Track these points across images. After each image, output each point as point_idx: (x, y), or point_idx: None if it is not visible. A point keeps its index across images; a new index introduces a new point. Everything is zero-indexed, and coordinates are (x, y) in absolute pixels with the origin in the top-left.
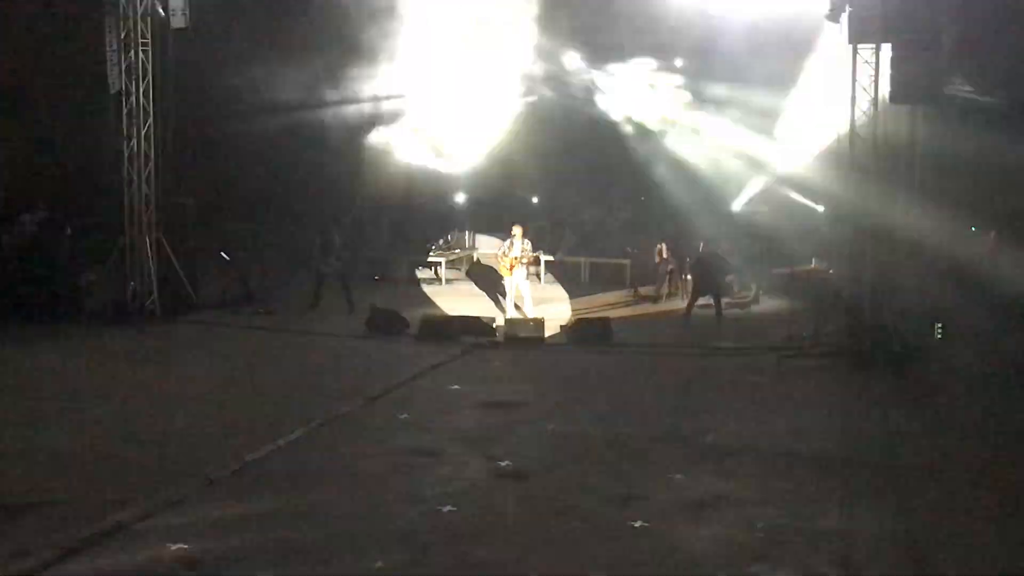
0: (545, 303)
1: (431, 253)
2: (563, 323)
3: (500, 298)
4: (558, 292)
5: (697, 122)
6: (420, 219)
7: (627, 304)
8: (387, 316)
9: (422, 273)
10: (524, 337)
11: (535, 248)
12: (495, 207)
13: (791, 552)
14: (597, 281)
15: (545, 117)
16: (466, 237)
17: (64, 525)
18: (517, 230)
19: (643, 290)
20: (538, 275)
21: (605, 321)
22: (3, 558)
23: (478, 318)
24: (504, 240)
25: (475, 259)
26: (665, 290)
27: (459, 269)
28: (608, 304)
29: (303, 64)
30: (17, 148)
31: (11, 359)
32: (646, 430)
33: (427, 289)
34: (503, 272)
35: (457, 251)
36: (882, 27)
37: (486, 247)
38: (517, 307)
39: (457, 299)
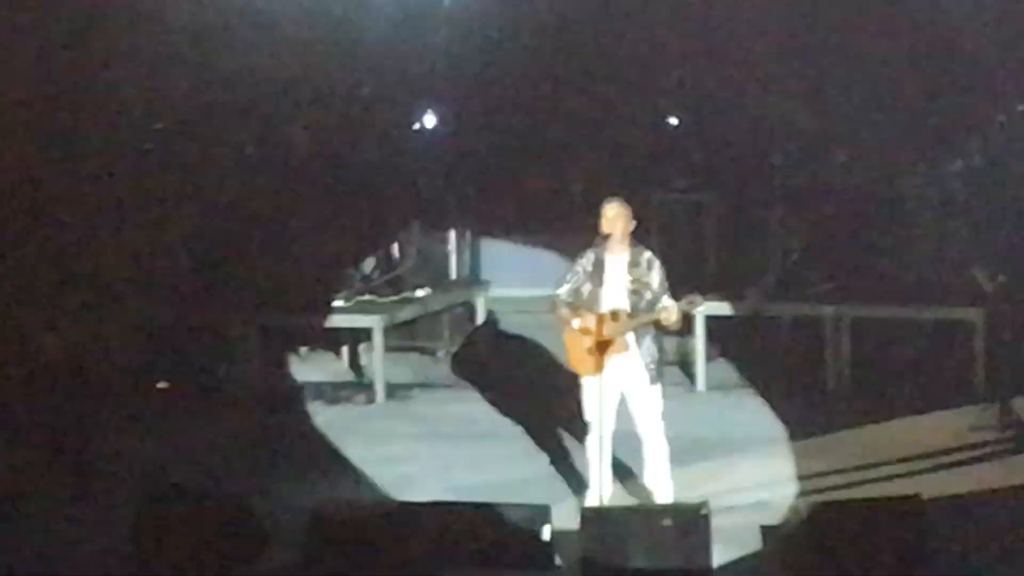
0: (710, 456)
1: (341, 303)
2: (765, 520)
3: (562, 446)
4: (748, 418)
5: None
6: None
7: (981, 448)
8: (197, 517)
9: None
10: (635, 572)
11: (677, 283)
12: (537, 146)
13: None
14: (870, 375)
15: None
16: (451, 249)
17: None
18: (616, 215)
19: None
20: (684, 364)
21: (907, 505)
22: None
23: (490, 511)
24: (578, 262)
25: (483, 321)
26: None
27: (432, 350)
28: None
29: None
30: None
31: None
32: None
33: (325, 420)
34: (575, 363)
35: (419, 292)
36: None
37: (513, 284)
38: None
39: (430, 451)
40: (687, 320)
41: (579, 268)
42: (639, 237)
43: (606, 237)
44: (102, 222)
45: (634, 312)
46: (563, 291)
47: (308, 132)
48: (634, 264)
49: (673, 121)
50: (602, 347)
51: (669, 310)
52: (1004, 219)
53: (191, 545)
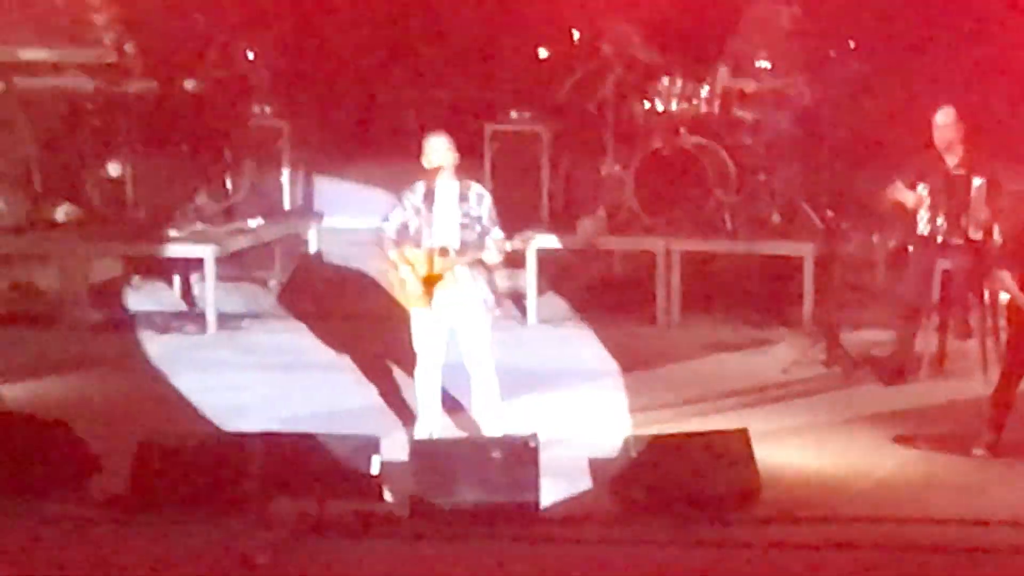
0: (540, 389)
1: (174, 233)
2: (593, 453)
3: (393, 379)
4: (578, 352)
5: None
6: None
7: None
8: (25, 440)
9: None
10: (463, 504)
11: (504, 211)
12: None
13: None
14: (700, 310)
15: None
16: (284, 180)
17: None
18: (440, 150)
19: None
20: (515, 297)
21: (733, 439)
22: None
23: (319, 442)
24: (404, 196)
25: (314, 252)
26: (930, 342)
27: (264, 280)
28: (745, 392)
29: None
30: None
31: None
32: None
33: (161, 350)
34: (403, 297)
35: (252, 223)
36: None
37: (345, 215)
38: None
39: (260, 382)
40: (519, 253)
41: (406, 202)
42: (473, 170)
43: (433, 171)
44: None
45: (463, 247)
46: (390, 225)
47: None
48: (462, 198)
49: (507, 51)
50: (430, 282)
51: (498, 244)
52: (834, 155)
53: (17, 468)
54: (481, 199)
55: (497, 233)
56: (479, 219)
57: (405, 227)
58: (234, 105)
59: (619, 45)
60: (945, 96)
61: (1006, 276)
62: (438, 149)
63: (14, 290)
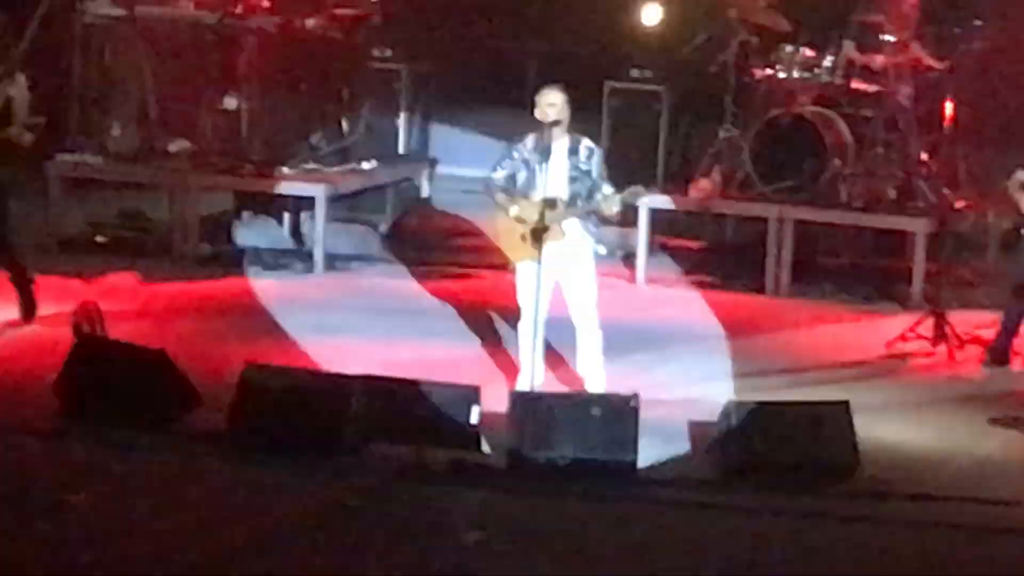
0: (645, 349)
1: (286, 171)
2: (696, 413)
3: (496, 331)
4: (685, 314)
5: None
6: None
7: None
8: (126, 370)
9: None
10: (561, 459)
11: (620, 169)
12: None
13: None
14: (809, 280)
15: None
16: (400, 124)
17: None
18: (555, 103)
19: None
20: (625, 257)
21: (834, 411)
22: None
23: (420, 388)
24: (515, 147)
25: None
26: None
27: (375, 223)
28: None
29: None
30: None
31: None
32: None
33: (269, 288)
34: (509, 249)
35: (365, 165)
36: None
37: (459, 163)
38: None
39: (365, 325)
40: (632, 212)
41: (516, 154)
42: (590, 127)
43: (547, 125)
44: None
45: (572, 200)
46: (498, 176)
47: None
48: (572, 152)
49: (632, 8)
50: (538, 234)
51: (609, 199)
52: (953, 132)
53: (117, 397)
54: (591, 153)
55: (607, 188)
56: (588, 173)
57: (513, 178)
58: (354, 46)
59: (744, 9)
60: None
61: None
62: (553, 102)
63: (123, 217)
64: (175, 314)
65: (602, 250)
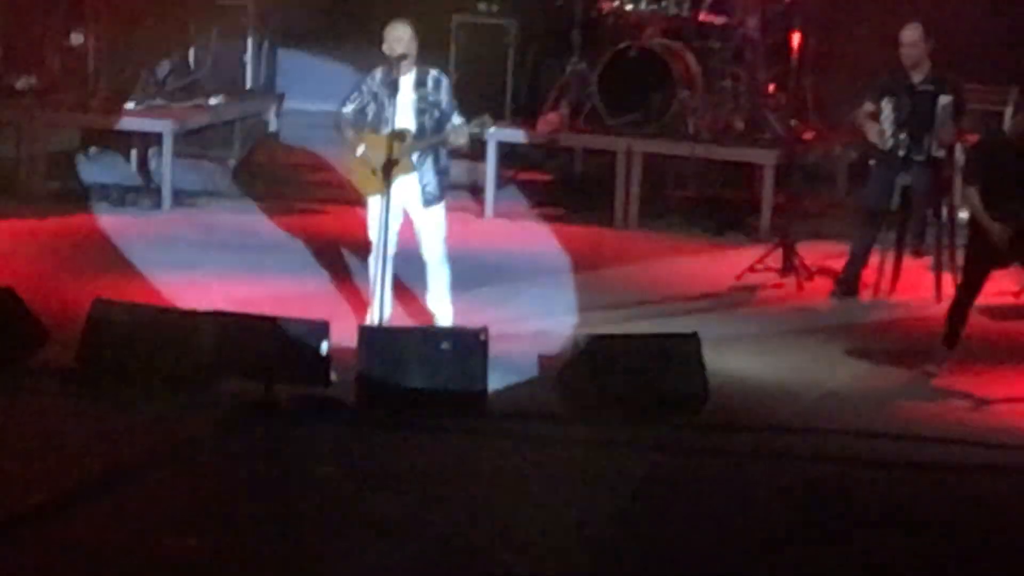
0: (494, 283)
1: (133, 106)
2: (545, 346)
3: (346, 265)
4: (534, 248)
5: None
6: None
7: (762, 291)
8: None
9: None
10: (411, 393)
11: (467, 104)
12: None
13: None
14: (658, 214)
15: None
16: (247, 59)
17: None
18: (402, 38)
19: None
20: (474, 190)
21: (684, 343)
22: None
23: (269, 323)
24: (363, 81)
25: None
26: (885, 257)
27: (222, 158)
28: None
29: None
30: None
31: None
32: None
33: (117, 224)
34: (359, 183)
35: (213, 100)
36: None
37: (307, 97)
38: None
39: (214, 260)
40: (480, 145)
41: (364, 88)
42: (438, 62)
43: (395, 58)
44: None
45: (420, 132)
46: (347, 110)
47: None
48: (420, 83)
49: None
50: (387, 168)
51: (457, 130)
52: (801, 65)
53: None
54: (439, 84)
55: (456, 118)
56: (437, 104)
57: (363, 112)
58: None
59: None
60: (913, 12)
61: (972, 193)
62: (401, 37)
63: None
64: (22, 251)
65: (448, 198)
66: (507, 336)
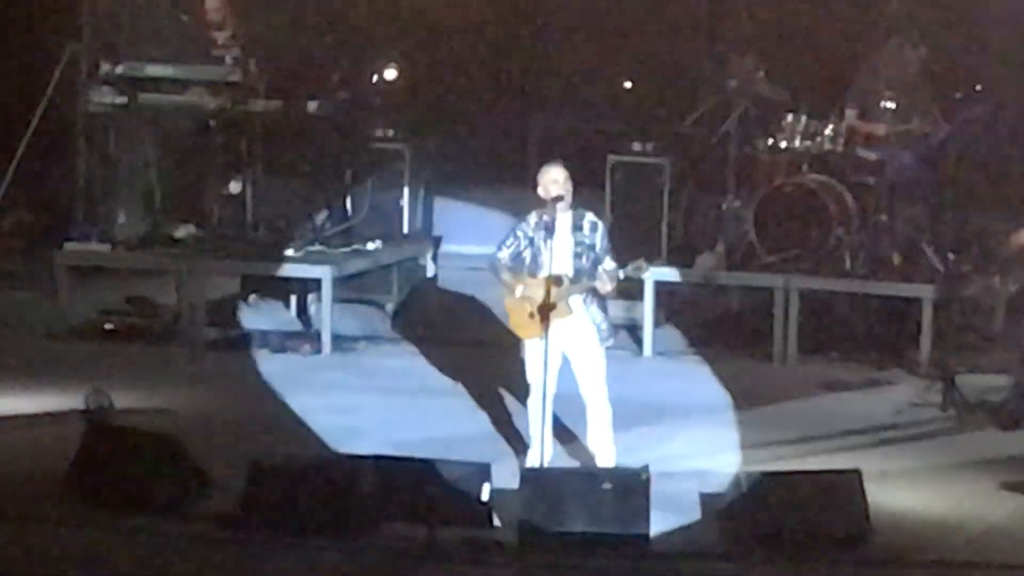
0: (654, 422)
1: (292, 253)
2: (707, 485)
3: (505, 407)
4: (693, 386)
5: None
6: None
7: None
8: (138, 455)
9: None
10: (573, 534)
11: (624, 242)
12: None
13: None
14: (817, 349)
15: None
16: (404, 203)
17: None
18: (556, 179)
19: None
20: (632, 329)
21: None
22: None
23: (430, 467)
24: (518, 225)
25: (431, 276)
26: None
27: (381, 303)
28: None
29: None
30: None
31: None
32: None
33: (271, 369)
34: (517, 326)
35: (370, 245)
36: None
37: (464, 241)
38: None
39: (374, 405)
40: (637, 285)
41: (520, 232)
42: (594, 201)
43: (550, 201)
44: None
45: (577, 276)
46: (503, 254)
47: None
48: (576, 227)
49: (628, 84)
50: (544, 311)
51: (609, 274)
52: (957, 197)
53: (128, 483)
54: (595, 227)
55: (609, 263)
56: (592, 247)
57: (519, 256)
58: (356, 127)
59: (745, 80)
60: None
61: None
62: (556, 179)
63: (130, 304)
64: (183, 396)
65: (609, 341)
66: (669, 475)
